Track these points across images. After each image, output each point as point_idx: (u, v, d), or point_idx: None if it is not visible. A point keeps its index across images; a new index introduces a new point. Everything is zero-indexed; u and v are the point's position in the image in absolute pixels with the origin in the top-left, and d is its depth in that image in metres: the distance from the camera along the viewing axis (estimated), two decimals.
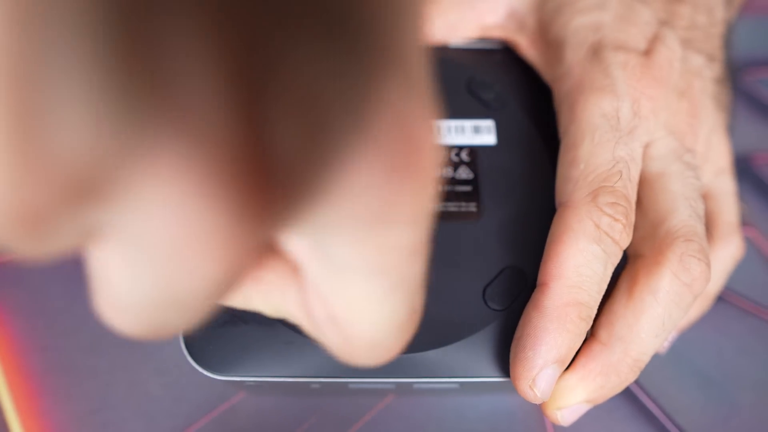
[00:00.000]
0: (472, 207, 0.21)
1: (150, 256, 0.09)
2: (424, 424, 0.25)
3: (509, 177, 0.21)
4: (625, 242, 0.19)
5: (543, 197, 0.21)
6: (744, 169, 0.31)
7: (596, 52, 0.21)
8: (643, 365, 0.20)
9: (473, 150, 0.22)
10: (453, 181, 0.21)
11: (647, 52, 0.21)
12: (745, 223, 0.27)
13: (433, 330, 0.19)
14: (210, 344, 0.19)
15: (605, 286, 0.19)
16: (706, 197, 0.23)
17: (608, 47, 0.21)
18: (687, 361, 0.26)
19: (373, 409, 0.25)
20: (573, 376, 0.19)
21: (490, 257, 0.20)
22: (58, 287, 0.27)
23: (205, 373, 0.19)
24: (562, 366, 0.19)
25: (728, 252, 0.23)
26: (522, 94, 0.23)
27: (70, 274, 0.27)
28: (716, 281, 0.24)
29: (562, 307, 0.18)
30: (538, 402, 0.19)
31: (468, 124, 0.22)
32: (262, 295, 0.14)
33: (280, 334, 0.19)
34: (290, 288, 0.14)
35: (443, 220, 0.20)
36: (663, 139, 0.21)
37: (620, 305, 0.19)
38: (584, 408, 0.20)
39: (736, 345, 0.25)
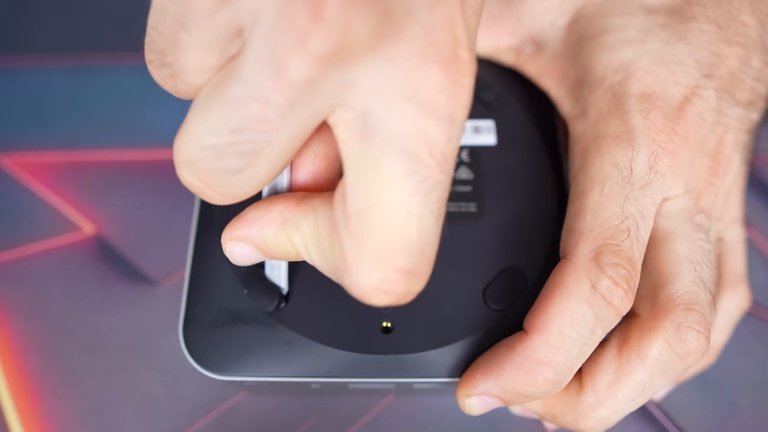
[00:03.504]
0: (472, 207, 0.21)
1: None
2: (424, 424, 0.25)
3: (509, 177, 0.21)
4: (625, 308, 0.17)
5: (543, 197, 0.21)
6: None
7: (616, 95, 0.20)
8: (609, 425, 0.19)
9: (473, 150, 0.22)
10: (453, 181, 0.21)
11: (677, 103, 0.19)
12: (745, 223, 0.27)
13: (433, 330, 0.19)
14: (210, 344, 0.19)
15: (590, 351, 0.18)
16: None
17: (631, 92, 0.19)
18: None
19: (373, 409, 0.25)
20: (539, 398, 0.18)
21: (490, 258, 0.20)
22: (58, 287, 0.27)
23: (205, 373, 0.19)
24: (504, 404, 0.18)
25: (734, 303, 0.22)
26: (522, 95, 0.23)
27: (70, 274, 0.27)
28: (722, 333, 0.23)
29: (534, 361, 0.17)
30: (464, 412, 0.19)
31: (468, 124, 0.22)
32: (292, 225, 0.15)
33: (280, 334, 0.19)
34: (310, 212, 0.15)
35: None
36: (678, 197, 0.20)
37: (606, 360, 0.18)
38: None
39: (736, 345, 0.25)
